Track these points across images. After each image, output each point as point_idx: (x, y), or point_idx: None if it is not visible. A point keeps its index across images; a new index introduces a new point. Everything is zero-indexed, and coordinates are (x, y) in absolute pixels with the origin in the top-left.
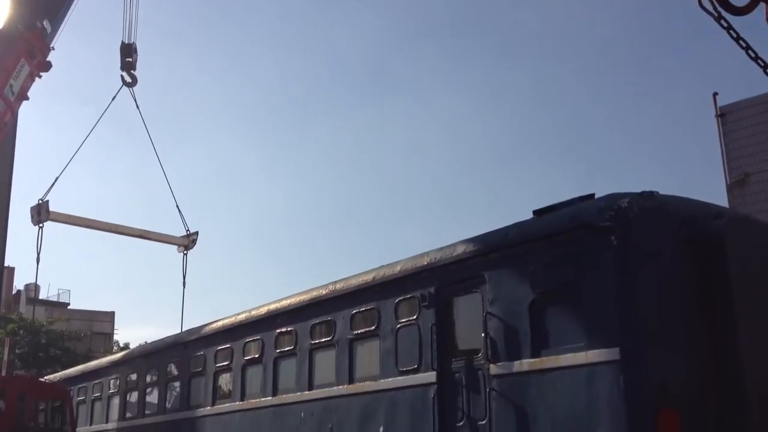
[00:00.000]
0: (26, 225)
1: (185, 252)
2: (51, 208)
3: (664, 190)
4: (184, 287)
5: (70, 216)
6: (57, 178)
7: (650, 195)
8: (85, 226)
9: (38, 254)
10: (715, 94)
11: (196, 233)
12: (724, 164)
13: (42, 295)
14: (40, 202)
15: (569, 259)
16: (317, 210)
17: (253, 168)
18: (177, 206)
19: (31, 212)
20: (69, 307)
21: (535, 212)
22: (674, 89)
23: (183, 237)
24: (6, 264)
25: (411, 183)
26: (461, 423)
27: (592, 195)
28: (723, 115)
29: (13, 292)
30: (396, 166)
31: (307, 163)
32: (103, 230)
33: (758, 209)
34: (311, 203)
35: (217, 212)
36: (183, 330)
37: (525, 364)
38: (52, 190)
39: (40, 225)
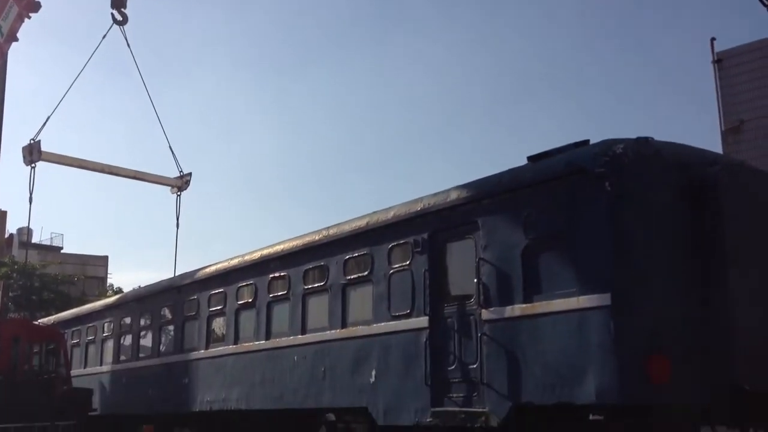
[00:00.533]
0: (18, 168)
1: (178, 193)
2: (43, 149)
3: (660, 136)
4: (177, 228)
5: (62, 156)
6: (48, 118)
7: (645, 141)
8: (77, 167)
9: (30, 194)
10: (712, 40)
11: (189, 174)
12: (719, 111)
13: (35, 239)
14: (32, 142)
15: (563, 205)
16: (311, 156)
17: (248, 113)
18: (170, 147)
19: (22, 152)
20: (62, 251)
21: (529, 158)
22: (672, 34)
23: (176, 178)
24: None
25: (405, 130)
26: (452, 367)
27: (587, 141)
28: (720, 60)
29: (6, 235)
30: (390, 113)
31: (302, 109)
32: (95, 170)
33: (752, 156)
34: (306, 149)
35: (212, 157)
36: (176, 273)
37: (517, 309)
38: (43, 130)
39: (32, 165)
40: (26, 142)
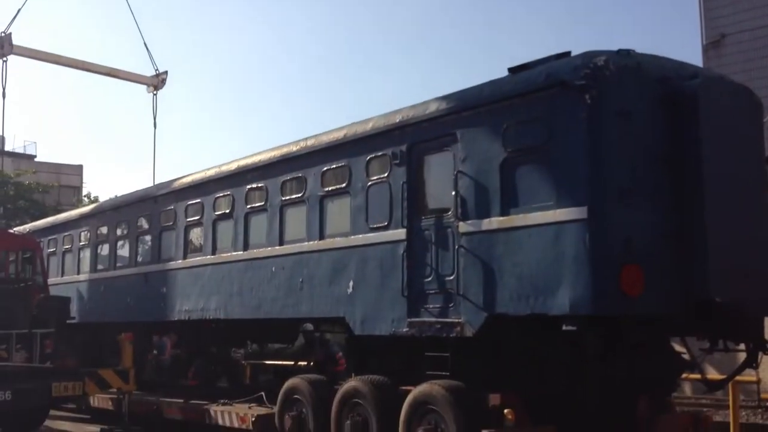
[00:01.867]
0: None
1: (155, 92)
2: (14, 42)
3: (642, 49)
4: (155, 128)
5: (34, 50)
6: (19, 10)
7: (627, 53)
8: (50, 62)
9: (3, 89)
10: None
11: (165, 73)
12: (701, 25)
13: (7, 147)
14: (3, 34)
15: (542, 117)
16: (299, 53)
17: (234, 11)
18: (144, 44)
19: None
20: (35, 160)
21: (510, 70)
22: None
23: (152, 77)
24: None
25: (397, 31)
26: (429, 278)
27: (568, 53)
28: None
29: None
30: (382, 13)
31: (291, 8)
32: (68, 66)
33: (733, 70)
34: (292, 45)
35: (196, 58)
36: (155, 174)
37: (494, 222)
38: (14, 23)
39: (4, 59)
40: None
